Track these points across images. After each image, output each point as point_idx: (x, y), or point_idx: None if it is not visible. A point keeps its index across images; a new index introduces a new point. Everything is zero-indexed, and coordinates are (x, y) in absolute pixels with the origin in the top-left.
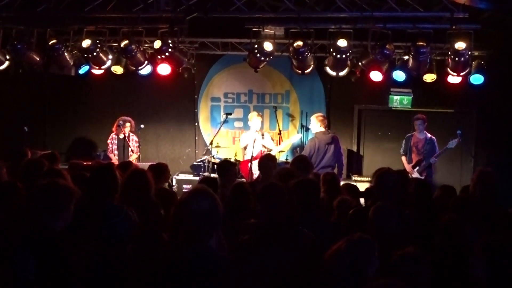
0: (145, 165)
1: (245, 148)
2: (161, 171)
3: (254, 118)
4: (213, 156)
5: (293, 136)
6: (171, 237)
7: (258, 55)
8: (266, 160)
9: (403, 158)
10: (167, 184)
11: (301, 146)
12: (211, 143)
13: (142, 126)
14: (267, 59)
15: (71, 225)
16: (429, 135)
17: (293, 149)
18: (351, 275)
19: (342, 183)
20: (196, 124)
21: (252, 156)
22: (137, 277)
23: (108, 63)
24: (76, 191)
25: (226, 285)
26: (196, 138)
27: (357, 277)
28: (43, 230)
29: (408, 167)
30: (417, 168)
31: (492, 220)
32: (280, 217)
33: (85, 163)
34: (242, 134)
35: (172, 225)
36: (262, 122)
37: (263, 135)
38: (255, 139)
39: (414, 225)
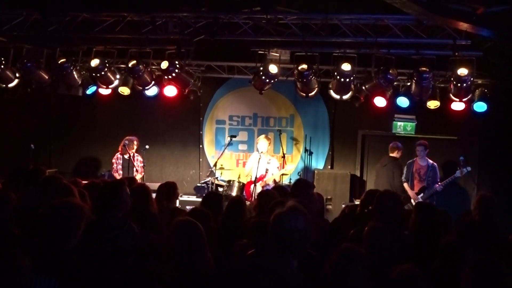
0: (149, 185)
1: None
2: (171, 189)
3: (261, 140)
4: (216, 178)
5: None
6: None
7: (264, 77)
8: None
9: (405, 184)
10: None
11: (303, 169)
12: (215, 165)
13: (147, 147)
14: (272, 81)
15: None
16: (430, 161)
17: (297, 172)
18: (344, 283)
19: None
20: (200, 146)
21: (256, 177)
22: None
23: (116, 82)
24: (86, 209)
25: None
26: (201, 160)
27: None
28: (59, 251)
29: (412, 193)
30: (422, 195)
31: (490, 244)
32: None
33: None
34: (250, 157)
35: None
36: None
37: (269, 160)
38: (260, 158)
39: (413, 246)
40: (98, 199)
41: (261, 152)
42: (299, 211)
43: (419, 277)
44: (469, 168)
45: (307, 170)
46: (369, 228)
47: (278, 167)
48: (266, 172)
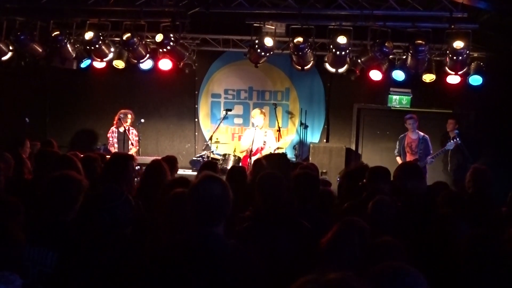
0: (144, 159)
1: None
2: (173, 163)
3: (257, 115)
4: (212, 152)
5: (288, 136)
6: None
7: (259, 50)
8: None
9: (398, 158)
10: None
11: (299, 143)
12: (210, 139)
13: (142, 120)
14: (268, 54)
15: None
16: (421, 134)
17: (293, 147)
18: (340, 255)
19: None
20: (196, 119)
21: (251, 151)
22: (136, 260)
23: (110, 55)
24: (85, 182)
25: (232, 271)
26: (196, 133)
27: (347, 259)
28: (57, 224)
29: None
30: None
31: (484, 217)
32: (277, 206)
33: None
34: (245, 132)
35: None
36: (264, 120)
37: (266, 132)
38: (255, 132)
39: (406, 217)
40: (105, 171)
41: (256, 126)
42: (214, 178)
43: (396, 249)
44: (459, 141)
45: (302, 144)
46: (375, 201)
47: (276, 138)
48: (264, 144)
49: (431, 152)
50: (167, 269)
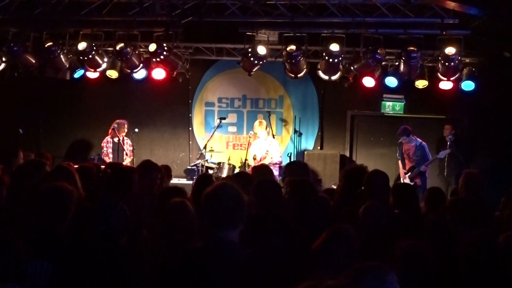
0: None
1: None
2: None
3: (256, 127)
4: (206, 161)
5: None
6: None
7: (252, 58)
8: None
9: (399, 162)
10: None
11: (294, 151)
12: (205, 148)
13: (136, 130)
14: (261, 62)
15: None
16: (419, 140)
17: (287, 154)
18: (329, 262)
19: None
20: (190, 128)
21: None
22: (130, 270)
23: (104, 66)
24: (77, 192)
25: (246, 279)
26: (190, 142)
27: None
28: (49, 235)
29: (401, 172)
30: (409, 174)
31: (477, 221)
32: (272, 211)
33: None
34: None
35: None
36: (266, 129)
37: (270, 143)
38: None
39: (403, 224)
40: (110, 184)
41: (255, 132)
42: (228, 185)
43: (426, 252)
44: (449, 150)
45: (296, 151)
46: (365, 207)
47: (278, 150)
48: (266, 153)
49: (430, 158)
50: (181, 277)
